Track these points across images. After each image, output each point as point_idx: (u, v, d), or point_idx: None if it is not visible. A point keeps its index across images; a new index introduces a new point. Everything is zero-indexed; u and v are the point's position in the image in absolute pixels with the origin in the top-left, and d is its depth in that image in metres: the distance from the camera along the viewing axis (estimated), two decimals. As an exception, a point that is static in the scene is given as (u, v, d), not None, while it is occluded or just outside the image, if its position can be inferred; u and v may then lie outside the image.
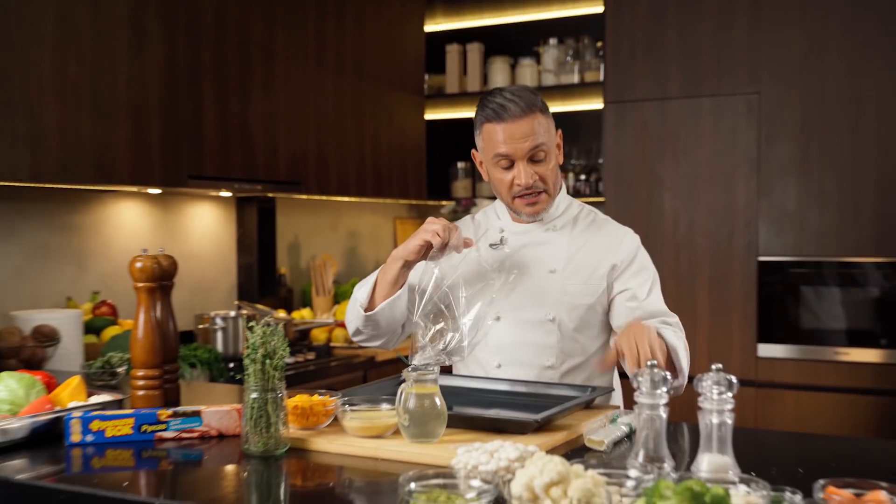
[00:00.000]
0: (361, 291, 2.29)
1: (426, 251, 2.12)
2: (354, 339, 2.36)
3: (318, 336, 4.10)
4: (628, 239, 2.35)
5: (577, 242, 2.33)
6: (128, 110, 3.20)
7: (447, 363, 2.05)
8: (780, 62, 4.03)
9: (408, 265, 2.19)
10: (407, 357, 2.07)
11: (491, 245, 2.37)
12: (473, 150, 2.34)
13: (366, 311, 2.25)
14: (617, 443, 1.84)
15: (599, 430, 1.84)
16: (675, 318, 2.27)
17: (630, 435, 1.90)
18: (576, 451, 1.79)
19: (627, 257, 2.31)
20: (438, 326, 2.01)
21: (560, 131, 2.35)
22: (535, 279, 2.29)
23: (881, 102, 3.87)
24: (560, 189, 2.39)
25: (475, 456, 1.49)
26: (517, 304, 2.29)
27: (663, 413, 1.55)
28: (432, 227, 2.10)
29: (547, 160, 2.24)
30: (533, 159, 2.22)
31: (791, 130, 4.02)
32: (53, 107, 2.94)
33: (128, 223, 3.74)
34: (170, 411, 1.90)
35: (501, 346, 2.30)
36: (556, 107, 5.05)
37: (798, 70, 4.00)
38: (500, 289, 2.20)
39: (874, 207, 3.89)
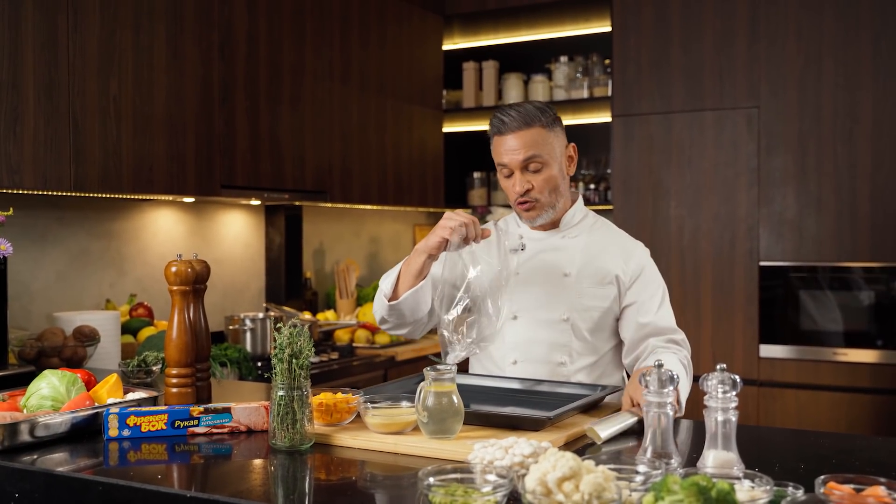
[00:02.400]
0: (386, 282, 2.28)
1: (446, 245, 2.11)
2: (381, 326, 2.36)
3: (342, 337, 4.09)
4: (639, 252, 2.35)
5: (590, 250, 2.33)
6: (165, 125, 3.21)
7: (478, 352, 2.05)
8: (778, 78, 4.01)
9: (431, 258, 2.17)
10: (437, 355, 2.06)
11: (511, 250, 2.38)
12: None
13: (390, 300, 2.24)
14: (622, 434, 1.83)
15: (602, 422, 1.83)
16: (681, 335, 2.28)
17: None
18: (587, 447, 1.77)
19: (637, 270, 2.31)
20: (469, 318, 2.00)
21: (573, 145, 2.35)
22: (551, 282, 2.29)
23: (874, 115, 3.84)
24: (574, 199, 2.40)
25: (491, 451, 1.47)
26: (533, 304, 2.29)
27: (670, 411, 1.53)
28: (450, 224, 2.09)
29: (543, 171, 2.25)
30: (528, 169, 2.25)
31: (789, 142, 4.00)
32: (96, 122, 2.95)
33: (163, 230, 3.74)
34: (201, 408, 1.89)
35: (518, 343, 2.30)
36: (566, 120, 5.02)
37: (795, 85, 3.98)
38: (512, 285, 2.19)
39: (869, 215, 3.86)
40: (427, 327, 2.38)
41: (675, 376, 1.54)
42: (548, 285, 2.30)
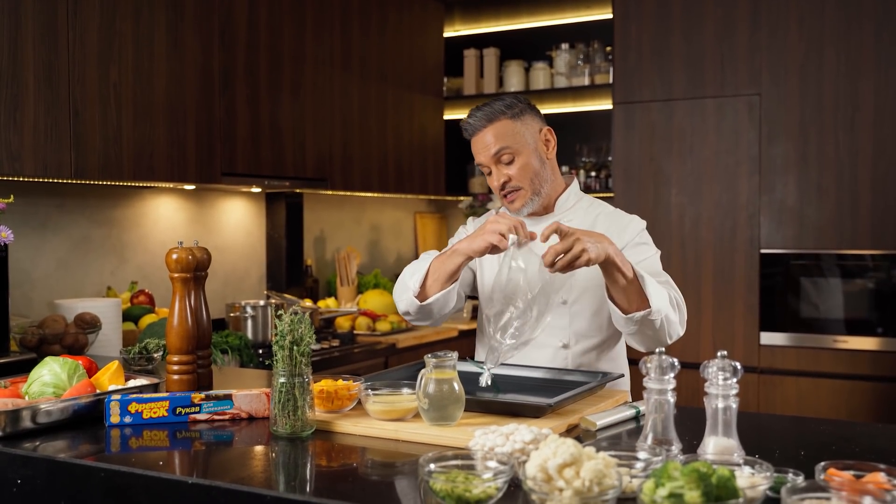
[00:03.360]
0: (414, 279, 2.25)
1: (491, 250, 2.07)
2: (405, 318, 2.35)
3: (343, 324, 4.09)
4: (635, 223, 2.35)
5: (587, 226, 2.33)
6: (165, 112, 3.20)
7: (517, 352, 2.03)
8: (779, 65, 3.99)
9: (468, 259, 2.15)
10: (480, 362, 2.04)
11: (512, 243, 2.38)
12: None
13: (419, 298, 2.23)
14: (623, 421, 1.84)
15: (599, 413, 1.83)
16: (666, 277, 2.22)
17: (638, 417, 1.88)
18: (587, 434, 1.77)
19: (633, 237, 2.30)
20: (516, 322, 1.98)
21: (548, 128, 2.34)
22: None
23: (875, 103, 3.83)
24: (569, 184, 2.41)
25: (492, 438, 1.47)
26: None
27: (671, 398, 1.53)
28: (498, 229, 2.04)
29: (516, 161, 2.26)
30: (501, 161, 2.27)
31: (790, 130, 3.99)
32: (96, 109, 2.94)
33: (164, 217, 3.74)
34: (203, 395, 1.89)
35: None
36: (567, 107, 5.02)
37: (796, 72, 3.96)
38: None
39: (869, 202, 3.85)
40: (446, 318, 2.39)
41: (675, 362, 1.53)
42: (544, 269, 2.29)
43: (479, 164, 2.31)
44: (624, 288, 2.02)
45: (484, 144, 2.27)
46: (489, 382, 2.01)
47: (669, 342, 2.13)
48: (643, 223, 2.36)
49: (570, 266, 1.94)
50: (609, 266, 2.00)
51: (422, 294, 2.24)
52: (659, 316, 2.04)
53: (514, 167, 2.26)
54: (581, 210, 2.38)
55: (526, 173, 2.27)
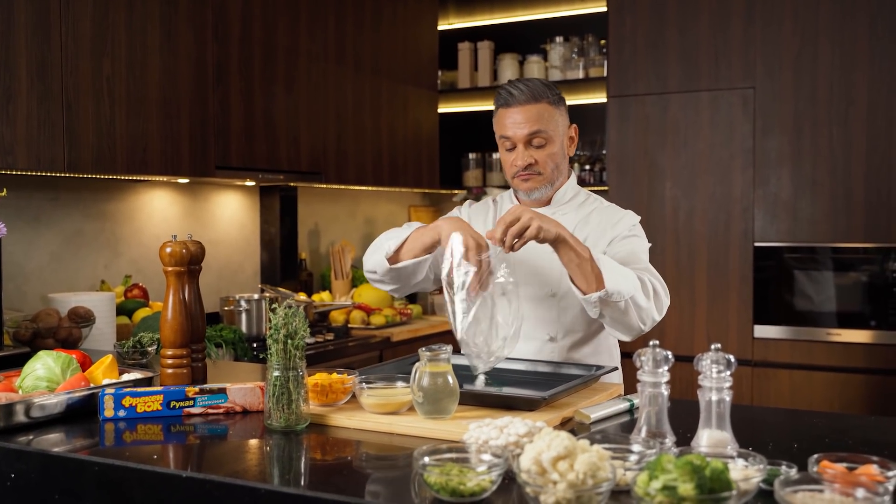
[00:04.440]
0: (391, 242, 2.24)
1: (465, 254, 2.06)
2: (368, 277, 2.35)
3: (337, 318, 4.09)
4: (628, 217, 2.35)
5: (581, 221, 2.34)
6: (159, 105, 3.19)
7: (496, 363, 2.03)
8: (773, 58, 4.00)
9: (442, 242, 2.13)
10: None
11: None
12: None
13: (391, 262, 2.23)
14: (617, 414, 1.85)
15: (594, 405, 1.84)
16: (646, 265, 2.21)
17: (632, 411, 1.89)
18: (581, 427, 1.77)
19: (622, 231, 2.30)
20: (481, 339, 1.98)
21: (574, 126, 2.36)
22: (539, 257, 2.27)
23: (869, 96, 3.84)
24: (568, 177, 2.40)
25: (486, 431, 1.47)
26: (520, 279, 2.26)
27: (665, 391, 1.54)
28: (470, 247, 2.01)
29: (546, 147, 2.26)
30: (531, 144, 2.25)
31: (784, 123, 3.99)
32: (89, 102, 2.93)
33: (158, 211, 3.73)
34: (197, 388, 1.89)
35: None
36: (561, 101, 5.01)
37: (791, 66, 3.97)
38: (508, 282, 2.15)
39: (863, 195, 3.86)
40: (409, 292, 2.39)
41: (669, 355, 1.54)
42: (535, 261, 2.29)
43: (505, 136, 2.27)
44: (579, 266, 2.02)
45: (520, 120, 2.23)
46: (488, 382, 2.00)
47: (643, 327, 2.12)
48: (637, 217, 2.36)
49: (520, 237, 1.95)
50: (562, 245, 2.01)
51: (394, 258, 2.24)
52: (620, 297, 2.03)
53: (543, 152, 2.26)
54: (575, 204, 2.38)
55: (551, 161, 2.28)
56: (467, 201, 2.58)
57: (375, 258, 2.28)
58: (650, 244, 2.35)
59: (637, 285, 2.07)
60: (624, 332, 2.14)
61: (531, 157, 2.25)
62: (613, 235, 2.30)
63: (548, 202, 2.37)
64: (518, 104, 2.24)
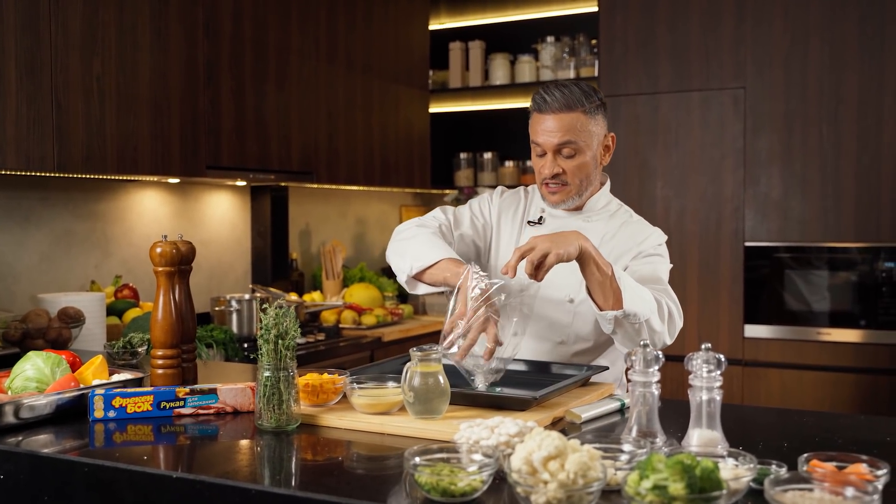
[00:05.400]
0: (418, 263, 2.18)
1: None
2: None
3: (328, 318, 4.09)
4: (655, 235, 2.32)
5: (606, 236, 2.31)
6: (149, 104, 3.18)
7: (498, 379, 2.01)
8: (764, 58, 4.01)
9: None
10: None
11: (529, 222, 2.38)
12: None
13: (414, 276, 2.21)
14: (608, 414, 1.85)
15: (584, 405, 1.84)
16: (665, 286, 2.20)
17: (623, 410, 1.89)
18: (572, 427, 1.78)
19: (647, 248, 2.28)
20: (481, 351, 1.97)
21: (612, 135, 2.32)
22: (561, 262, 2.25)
23: (859, 96, 3.85)
24: (601, 186, 2.37)
25: (477, 431, 1.47)
26: (542, 282, 2.25)
27: (656, 390, 1.54)
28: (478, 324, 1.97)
29: (576, 157, 2.22)
30: (561, 154, 2.22)
31: (775, 123, 4.00)
32: (79, 101, 2.92)
33: (149, 211, 3.72)
34: (187, 389, 1.88)
35: (520, 318, 2.28)
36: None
37: (781, 65, 3.98)
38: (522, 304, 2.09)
39: (853, 195, 3.87)
40: None
41: (660, 355, 1.54)
42: (557, 266, 2.28)
43: (535, 142, 2.24)
44: (600, 283, 2.00)
45: (552, 128, 2.20)
46: (486, 384, 1.98)
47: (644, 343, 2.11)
48: (664, 237, 2.33)
49: (539, 268, 1.92)
50: (585, 258, 1.98)
51: (417, 275, 2.21)
52: (637, 320, 2.02)
53: (573, 163, 2.23)
54: (606, 215, 2.35)
55: (580, 172, 2.24)
56: (499, 188, 2.51)
57: (398, 264, 2.27)
58: (671, 264, 2.33)
59: (654, 308, 2.06)
60: (633, 348, 2.13)
61: (559, 167, 2.22)
62: (638, 252, 2.27)
63: (578, 209, 2.35)
64: (551, 111, 2.20)
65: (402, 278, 2.27)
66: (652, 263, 2.25)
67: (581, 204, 2.34)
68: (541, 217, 2.37)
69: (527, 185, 2.51)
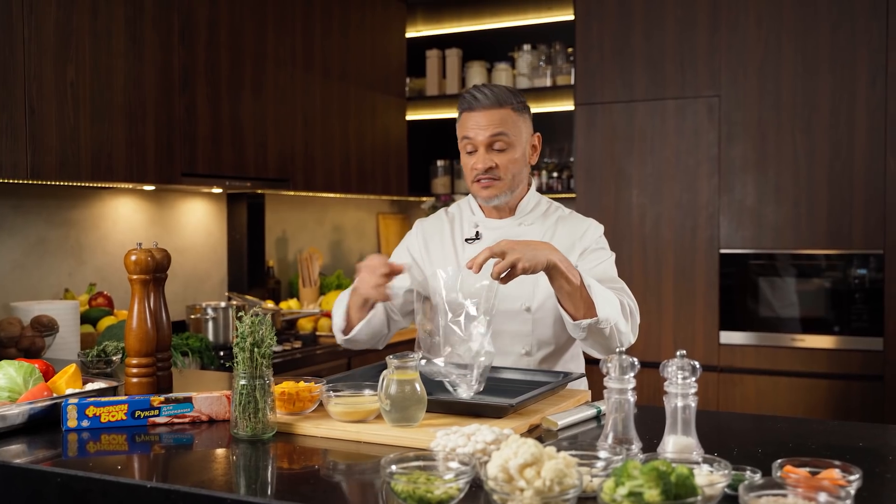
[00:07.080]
0: (338, 315, 2.31)
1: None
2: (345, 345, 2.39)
3: (305, 325, 4.08)
4: (592, 228, 2.36)
5: (547, 235, 2.33)
6: (124, 111, 3.16)
7: (481, 389, 2.00)
8: (738, 67, 4.05)
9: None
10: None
11: (466, 240, 2.38)
12: None
13: (345, 333, 2.30)
14: (584, 421, 1.85)
15: (560, 413, 1.84)
16: (621, 284, 2.24)
17: (599, 417, 1.90)
18: (549, 434, 1.78)
19: (590, 243, 2.32)
20: (447, 351, 1.97)
21: (538, 135, 2.37)
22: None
23: (832, 104, 3.90)
24: (529, 186, 2.40)
25: (453, 439, 1.47)
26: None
27: (631, 397, 1.55)
28: (370, 283, 2.09)
29: (508, 152, 2.26)
30: (493, 147, 2.25)
31: (749, 131, 4.04)
32: (53, 108, 2.90)
33: (123, 218, 3.70)
34: (162, 397, 1.87)
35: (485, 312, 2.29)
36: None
37: (755, 74, 4.02)
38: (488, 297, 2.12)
39: (826, 203, 3.91)
40: (389, 338, 2.42)
41: (635, 362, 1.55)
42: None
43: (466, 137, 2.27)
44: (570, 294, 2.02)
45: (483, 123, 2.24)
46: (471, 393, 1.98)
47: (621, 349, 2.13)
48: (600, 228, 2.38)
49: (508, 277, 1.93)
50: (553, 272, 1.99)
51: (347, 328, 2.29)
52: (607, 325, 2.05)
53: (504, 157, 2.26)
54: (539, 214, 2.38)
55: (512, 167, 2.27)
56: (417, 221, 2.54)
57: (335, 329, 2.35)
58: (613, 254, 2.36)
59: (619, 309, 2.09)
60: (601, 352, 2.14)
61: (492, 161, 2.25)
62: (583, 248, 2.30)
63: (510, 212, 2.37)
64: (482, 108, 2.25)
65: (340, 341, 2.35)
66: (599, 260, 2.29)
67: (513, 206, 2.36)
68: (477, 232, 2.39)
69: (447, 207, 2.53)
